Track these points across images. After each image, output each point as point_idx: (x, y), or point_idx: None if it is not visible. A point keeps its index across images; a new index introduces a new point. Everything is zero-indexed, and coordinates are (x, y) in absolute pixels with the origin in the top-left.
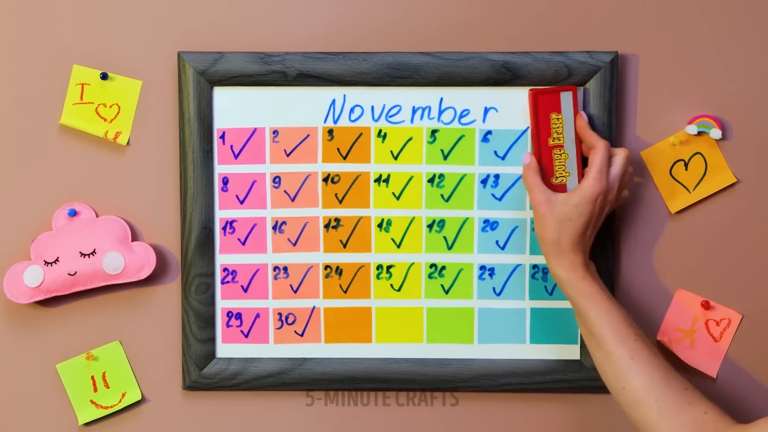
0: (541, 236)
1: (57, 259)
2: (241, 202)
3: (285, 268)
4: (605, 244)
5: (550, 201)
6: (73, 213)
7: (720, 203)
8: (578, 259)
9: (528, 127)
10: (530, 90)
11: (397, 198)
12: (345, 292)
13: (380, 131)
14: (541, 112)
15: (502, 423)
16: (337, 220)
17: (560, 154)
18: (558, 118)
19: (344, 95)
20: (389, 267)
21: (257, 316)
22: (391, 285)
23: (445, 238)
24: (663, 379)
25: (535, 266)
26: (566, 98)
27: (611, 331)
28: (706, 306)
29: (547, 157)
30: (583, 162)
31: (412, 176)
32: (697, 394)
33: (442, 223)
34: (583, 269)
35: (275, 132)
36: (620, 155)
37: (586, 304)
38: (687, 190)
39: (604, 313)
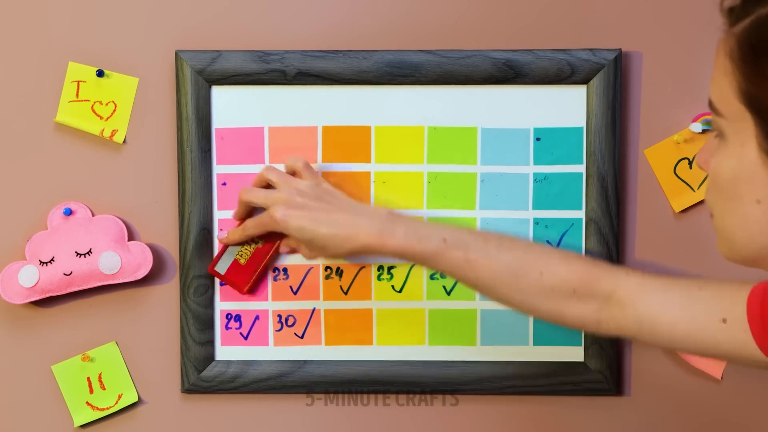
0: (333, 255)
1: (52, 259)
2: None
3: (285, 269)
4: (608, 243)
5: (296, 243)
6: (69, 212)
7: None
8: (361, 236)
9: (531, 128)
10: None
11: (398, 198)
12: (345, 293)
13: (381, 130)
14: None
15: (503, 424)
16: None
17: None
18: (240, 254)
19: (344, 94)
20: (390, 268)
21: (257, 318)
22: (392, 286)
23: None
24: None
25: None
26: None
27: (446, 268)
28: None
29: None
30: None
31: (413, 176)
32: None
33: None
34: (375, 237)
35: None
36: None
37: (410, 262)
38: (691, 188)
39: (425, 261)
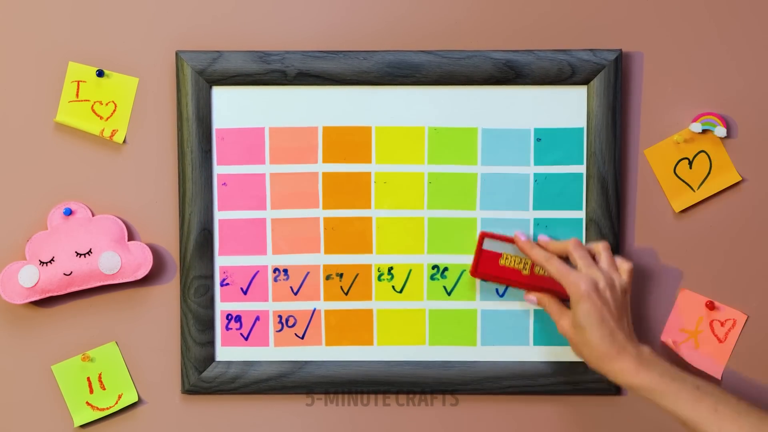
0: (585, 358)
1: (52, 259)
2: (241, 203)
3: (285, 270)
4: (609, 243)
5: (568, 319)
6: (69, 212)
7: (724, 202)
8: (624, 359)
9: (531, 128)
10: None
11: (399, 198)
12: (346, 294)
13: (381, 131)
14: (495, 270)
15: (503, 424)
16: (337, 220)
17: (526, 262)
18: (506, 258)
19: (345, 94)
20: (390, 268)
21: (257, 318)
22: (393, 287)
23: (446, 239)
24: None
25: None
26: (489, 243)
27: (692, 413)
28: (711, 306)
29: (533, 278)
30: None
31: (414, 176)
32: None
33: (443, 223)
34: (634, 364)
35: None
36: (602, 248)
37: (656, 398)
38: (691, 188)
39: (674, 400)
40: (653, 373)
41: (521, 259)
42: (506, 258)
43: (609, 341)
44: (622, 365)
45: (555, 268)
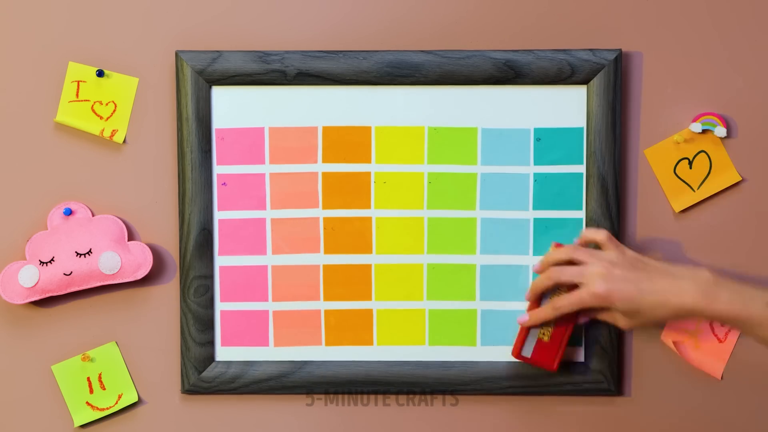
0: (662, 319)
1: (52, 259)
2: (241, 203)
3: (285, 270)
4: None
5: (620, 319)
6: (69, 212)
7: (725, 202)
8: (682, 289)
9: (531, 128)
10: None
11: (398, 198)
12: (346, 294)
13: (381, 131)
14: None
15: (503, 424)
16: (337, 220)
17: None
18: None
19: (344, 94)
20: (390, 268)
21: (257, 318)
22: (393, 287)
23: (446, 239)
24: None
25: None
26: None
27: None
28: None
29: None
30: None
31: (413, 176)
32: None
33: (443, 223)
34: (695, 289)
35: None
36: (575, 247)
37: (739, 328)
38: (691, 188)
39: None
40: (722, 303)
41: (542, 329)
42: (543, 333)
43: (661, 297)
44: (690, 307)
45: (567, 304)
